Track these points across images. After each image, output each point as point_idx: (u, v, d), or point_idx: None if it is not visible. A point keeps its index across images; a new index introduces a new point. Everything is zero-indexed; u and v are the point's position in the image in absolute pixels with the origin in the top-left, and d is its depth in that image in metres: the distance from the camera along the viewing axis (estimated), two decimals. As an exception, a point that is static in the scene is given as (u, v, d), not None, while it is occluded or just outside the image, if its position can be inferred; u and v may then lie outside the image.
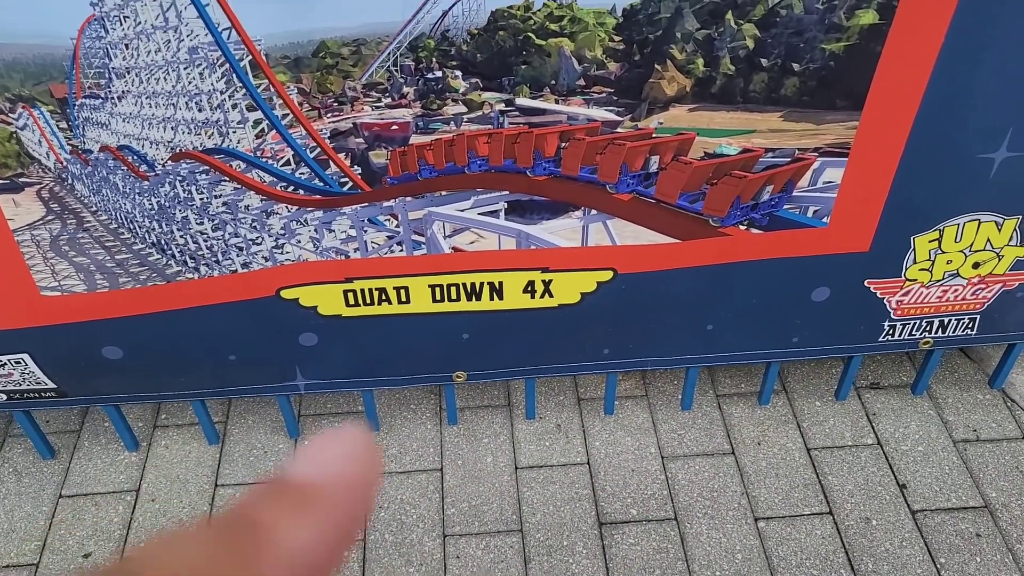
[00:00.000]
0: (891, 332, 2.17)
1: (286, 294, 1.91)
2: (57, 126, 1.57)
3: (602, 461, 2.29)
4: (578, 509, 2.18)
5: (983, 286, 2.06)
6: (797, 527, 2.13)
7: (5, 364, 1.95)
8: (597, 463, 2.29)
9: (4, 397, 2.09)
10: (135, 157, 1.63)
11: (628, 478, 2.25)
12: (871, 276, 2.02)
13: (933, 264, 2.00)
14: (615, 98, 1.63)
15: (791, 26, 1.53)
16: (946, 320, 2.16)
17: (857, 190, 1.81)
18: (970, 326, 2.18)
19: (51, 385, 2.06)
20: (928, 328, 2.17)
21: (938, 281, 2.04)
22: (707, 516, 2.16)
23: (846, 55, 1.57)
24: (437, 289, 1.94)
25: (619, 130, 1.68)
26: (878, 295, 2.06)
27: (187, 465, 2.31)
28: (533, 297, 1.97)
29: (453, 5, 1.47)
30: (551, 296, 1.97)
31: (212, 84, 1.52)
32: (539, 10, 1.50)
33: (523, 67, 1.57)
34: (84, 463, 2.31)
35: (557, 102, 1.63)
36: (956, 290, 2.07)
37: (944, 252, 1.97)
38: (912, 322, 2.15)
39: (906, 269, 2.00)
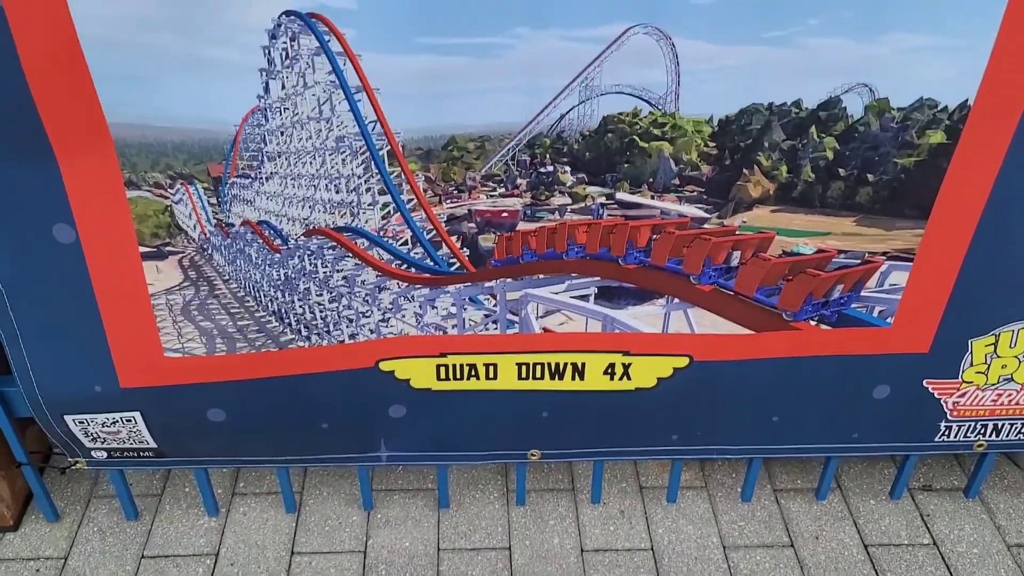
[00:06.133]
0: (947, 433, 2.27)
1: (384, 366, 2.05)
2: (208, 201, 1.76)
3: (666, 548, 2.36)
4: (643, 593, 2.24)
5: (1037, 390, 2.17)
6: (859, 621, 2.18)
7: (116, 422, 2.08)
8: (661, 549, 2.36)
9: (104, 455, 2.21)
10: (271, 231, 1.81)
11: (692, 565, 2.31)
12: (930, 376, 2.14)
13: (989, 368, 2.12)
14: (705, 196, 1.80)
15: (868, 141, 1.72)
16: (1000, 424, 2.26)
17: (920, 293, 1.95)
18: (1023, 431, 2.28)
19: (151, 445, 2.18)
20: (983, 431, 2.27)
21: (993, 385, 2.16)
22: (769, 606, 2.22)
23: (916, 169, 1.75)
24: (524, 367, 2.07)
25: (706, 226, 1.85)
26: (936, 395, 2.18)
27: (264, 532, 2.39)
28: (612, 379, 2.10)
29: (570, 110, 1.67)
30: (629, 379, 2.10)
31: (352, 169, 1.71)
32: (645, 117, 1.69)
33: (626, 165, 1.76)
34: (166, 526, 2.41)
35: (653, 198, 1.81)
36: (1010, 394, 2.18)
37: (999, 356, 2.10)
38: (968, 424, 2.25)
39: (963, 371, 2.12)
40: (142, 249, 1.79)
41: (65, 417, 2.07)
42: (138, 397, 2.03)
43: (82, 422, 2.09)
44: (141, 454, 2.21)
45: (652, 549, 2.36)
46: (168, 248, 1.82)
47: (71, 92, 1.55)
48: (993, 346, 2.07)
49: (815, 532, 2.42)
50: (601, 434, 2.25)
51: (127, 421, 2.08)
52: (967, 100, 1.62)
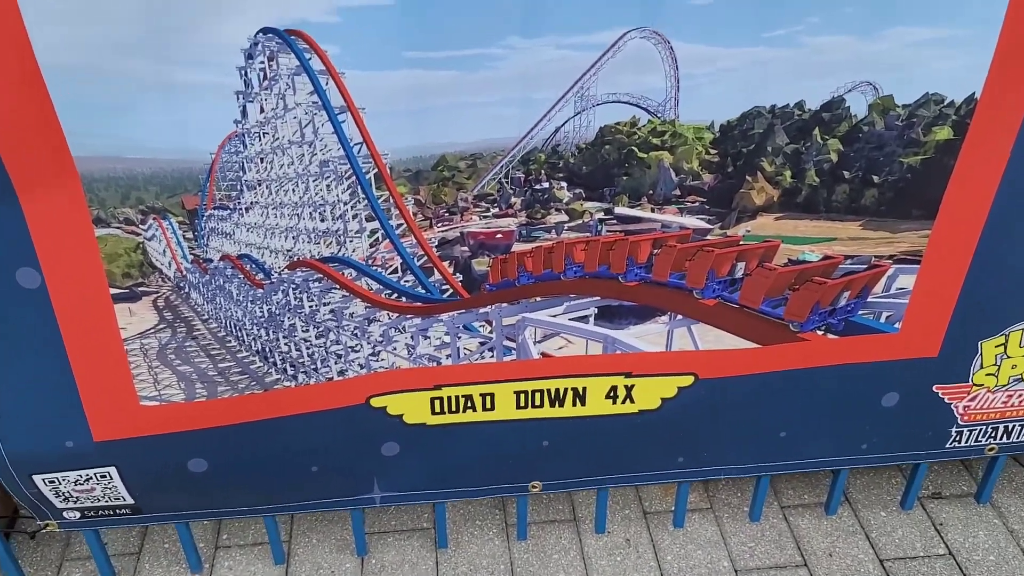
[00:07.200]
0: (958, 438, 2.21)
1: (375, 402, 1.94)
2: (183, 236, 1.65)
3: None
4: (658, 625, 2.14)
5: (1047, 390, 2.12)
6: (882, 640, 2.10)
7: (90, 479, 1.94)
8: (671, 578, 2.26)
9: (77, 515, 2.06)
10: (253, 265, 1.70)
11: (705, 592, 2.22)
12: (939, 381, 2.08)
13: (999, 369, 2.07)
14: (707, 207, 1.73)
15: (872, 141, 1.66)
16: (1011, 426, 2.21)
17: (928, 296, 1.90)
18: (1033, 431, 2.23)
19: (128, 501, 2.03)
20: (993, 434, 2.22)
21: (1003, 386, 2.10)
22: (789, 630, 2.13)
23: (922, 168, 1.69)
24: (522, 395, 1.98)
25: (708, 238, 1.77)
26: (946, 400, 2.12)
27: (253, 586, 2.25)
28: (615, 402, 2.00)
29: (566, 122, 1.59)
30: (632, 401, 2.01)
31: (337, 195, 1.61)
32: (643, 126, 1.62)
33: (624, 178, 1.68)
34: (146, 586, 2.26)
35: (653, 211, 1.73)
36: (1021, 395, 2.13)
37: (1009, 357, 2.05)
38: (978, 428, 2.19)
39: (973, 374, 2.07)
40: (113, 291, 1.67)
41: (34, 477, 1.93)
42: (113, 451, 1.90)
43: (52, 481, 1.94)
44: (117, 511, 2.07)
45: (663, 578, 2.26)
46: (141, 288, 1.70)
47: (33, 125, 1.44)
48: (1003, 346, 2.02)
49: (827, 549, 2.34)
50: (604, 461, 2.16)
51: (101, 477, 1.94)
52: (974, 93, 1.58)
